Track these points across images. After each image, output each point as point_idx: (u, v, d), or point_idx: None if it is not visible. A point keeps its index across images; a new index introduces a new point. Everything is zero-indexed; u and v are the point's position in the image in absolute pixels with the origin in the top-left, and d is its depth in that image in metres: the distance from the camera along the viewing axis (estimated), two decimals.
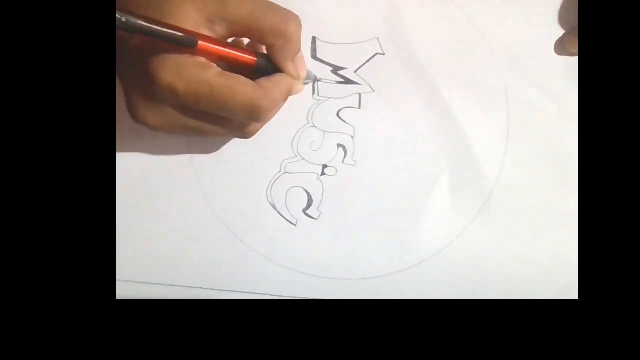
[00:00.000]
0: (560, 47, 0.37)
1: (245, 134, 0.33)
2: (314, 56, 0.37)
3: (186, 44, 0.28)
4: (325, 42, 0.37)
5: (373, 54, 0.37)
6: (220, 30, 0.30)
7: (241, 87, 0.29)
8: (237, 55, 0.31)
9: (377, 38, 0.37)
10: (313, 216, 0.37)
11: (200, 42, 0.28)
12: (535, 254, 0.38)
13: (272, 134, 0.36)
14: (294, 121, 0.37)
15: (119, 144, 0.36)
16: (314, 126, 0.37)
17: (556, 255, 0.38)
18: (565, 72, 0.37)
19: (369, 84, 0.37)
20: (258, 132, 0.34)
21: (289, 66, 0.32)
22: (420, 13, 0.37)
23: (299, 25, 0.31)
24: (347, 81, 0.37)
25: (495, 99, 0.37)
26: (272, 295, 0.37)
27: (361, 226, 0.37)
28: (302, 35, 0.31)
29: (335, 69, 0.37)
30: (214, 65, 0.30)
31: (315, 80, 0.37)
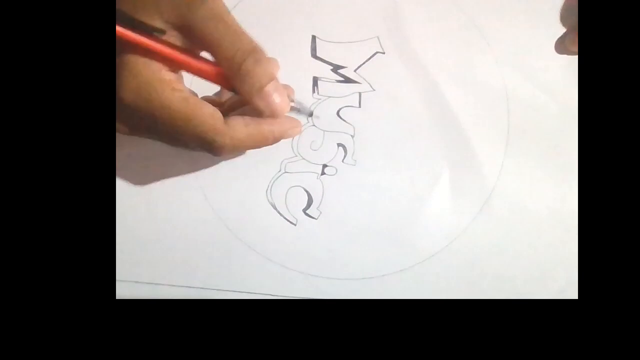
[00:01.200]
0: (560, 47, 0.37)
1: (213, 153, 0.31)
2: (314, 55, 0.37)
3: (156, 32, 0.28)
4: (325, 40, 0.37)
5: (373, 52, 0.37)
6: (185, 41, 0.29)
7: (201, 118, 0.29)
8: (199, 68, 0.29)
9: (377, 37, 0.37)
10: (313, 216, 0.37)
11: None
12: (535, 254, 0.38)
13: None
14: None
15: (118, 143, 0.36)
16: (314, 125, 0.37)
17: (556, 255, 0.38)
18: (565, 72, 0.37)
19: (369, 83, 0.37)
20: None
21: (255, 100, 0.30)
22: (420, 12, 0.37)
23: (261, 63, 0.29)
24: (347, 80, 0.37)
25: (495, 99, 0.38)
26: (272, 295, 0.37)
27: (361, 226, 0.37)
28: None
29: (335, 68, 0.37)
30: (183, 88, 0.29)
31: (310, 115, 0.36)
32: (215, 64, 0.30)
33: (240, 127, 0.30)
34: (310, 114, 0.36)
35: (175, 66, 0.29)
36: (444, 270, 0.37)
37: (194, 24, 0.28)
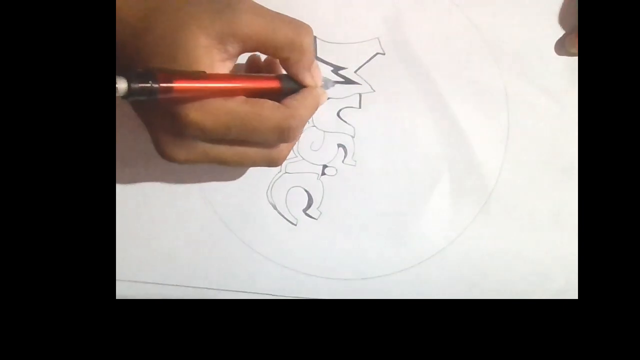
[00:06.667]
0: (560, 47, 0.38)
1: (275, 161, 0.33)
2: (315, 56, 0.37)
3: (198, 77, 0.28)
4: (326, 41, 0.37)
5: (373, 53, 0.37)
6: (232, 49, 0.29)
7: (268, 110, 0.29)
8: (261, 85, 0.31)
9: (378, 38, 0.37)
10: (313, 216, 0.37)
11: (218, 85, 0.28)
12: (535, 253, 0.38)
13: None
14: None
15: (118, 143, 0.36)
16: (314, 126, 0.37)
17: (556, 255, 0.38)
18: (565, 72, 0.37)
19: (369, 84, 0.37)
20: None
21: (307, 77, 0.32)
22: (420, 13, 0.37)
23: (312, 35, 0.30)
24: (348, 81, 0.37)
25: (495, 99, 0.38)
26: (272, 295, 0.37)
27: (361, 226, 0.37)
28: None
29: (336, 69, 0.37)
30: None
31: (332, 87, 0.37)
32: (252, 77, 0.31)
33: (295, 103, 0.31)
34: (333, 86, 0.37)
35: (230, 93, 0.29)
36: (444, 270, 0.37)
37: (240, 24, 0.28)
